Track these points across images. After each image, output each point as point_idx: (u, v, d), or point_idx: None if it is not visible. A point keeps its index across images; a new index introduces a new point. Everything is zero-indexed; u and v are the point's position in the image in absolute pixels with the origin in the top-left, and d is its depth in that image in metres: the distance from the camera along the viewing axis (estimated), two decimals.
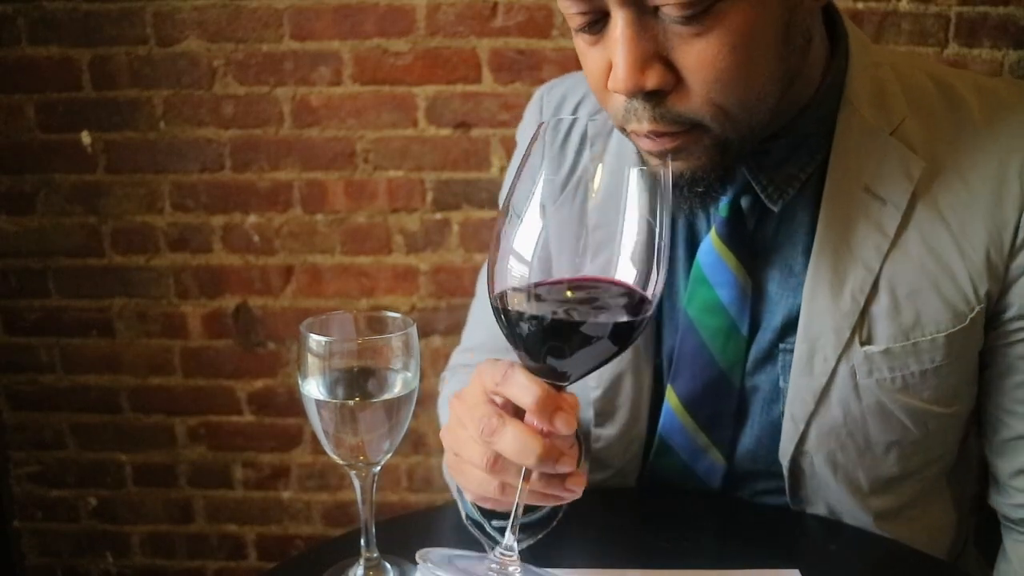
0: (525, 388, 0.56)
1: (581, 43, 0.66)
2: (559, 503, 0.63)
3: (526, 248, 0.54)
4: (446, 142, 1.64)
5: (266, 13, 1.59)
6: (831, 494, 0.79)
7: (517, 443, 0.56)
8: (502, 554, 0.59)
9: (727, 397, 0.79)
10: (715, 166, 0.67)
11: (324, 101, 1.63)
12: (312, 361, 0.63)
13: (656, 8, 0.60)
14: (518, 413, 0.59)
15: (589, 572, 0.69)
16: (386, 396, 0.64)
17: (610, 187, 0.75)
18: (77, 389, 1.80)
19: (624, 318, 0.54)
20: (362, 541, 0.67)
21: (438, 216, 1.67)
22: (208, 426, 1.80)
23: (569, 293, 0.54)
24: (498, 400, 0.60)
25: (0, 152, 1.69)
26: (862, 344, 0.73)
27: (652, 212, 0.53)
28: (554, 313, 0.54)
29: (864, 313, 0.73)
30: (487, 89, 1.61)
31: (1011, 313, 0.73)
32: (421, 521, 0.84)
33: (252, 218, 1.69)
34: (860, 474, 0.77)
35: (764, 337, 0.78)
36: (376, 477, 0.67)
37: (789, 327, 0.76)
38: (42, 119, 1.67)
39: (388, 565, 0.68)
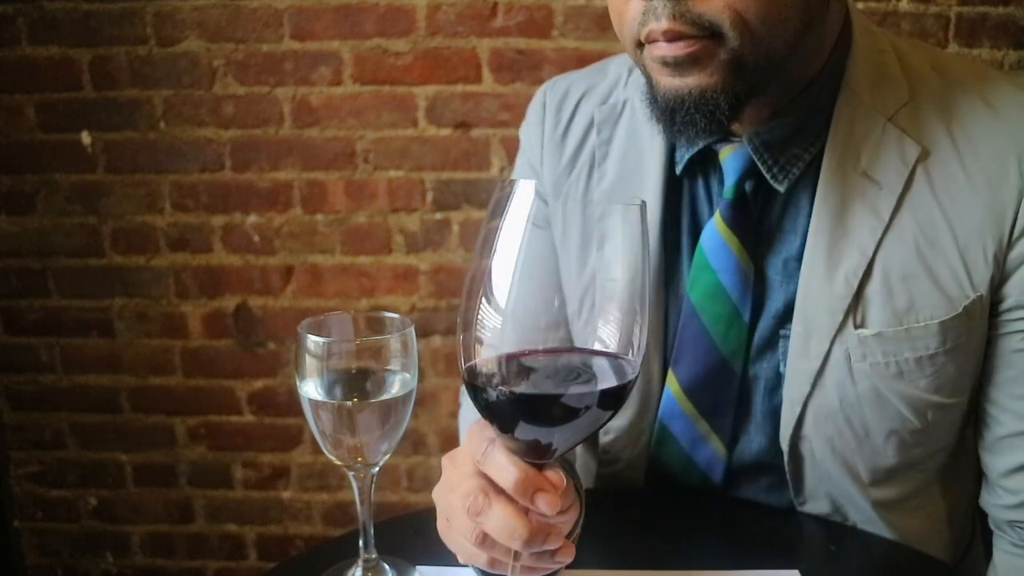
0: (503, 469, 0.53)
1: None
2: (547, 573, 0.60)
3: (498, 311, 0.48)
4: (446, 142, 1.63)
5: (266, 13, 1.59)
6: (832, 485, 0.79)
7: (503, 526, 0.53)
8: None
9: (728, 384, 0.79)
10: (726, 87, 0.66)
11: (324, 101, 1.63)
12: (310, 362, 0.63)
13: None
14: None
15: (589, 573, 0.69)
16: (384, 397, 0.64)
17: (620, 176, 0.74)
18: (77, 389, 1.80)
19: (603, 386, 0.50)
20: (360, 542, 0.67)
21: (438, 216, 1.67)
22: (208, 426, 1.80)
23: (542, 365, 0.50)
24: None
25: (0, 152, 1.68)
26: (856, 327, 0.73)
27: (637, 254, 0.49)
28: (523, 388, 0.50)
29: (858, 296, 0.73)
30: (487, 89, 1.60)
31: (1008, 304, 0.73)
32: (421, 521, 0.84)
33: (252, 218, 1.69)
34: (859, 463, 0.77)
35: (766, 323, 0.78)
36: (374, 478, 0.67)
37: (789, 312, 0.76)
38: (42, 119, 1.66)
39: (386, 566, 0.68)
